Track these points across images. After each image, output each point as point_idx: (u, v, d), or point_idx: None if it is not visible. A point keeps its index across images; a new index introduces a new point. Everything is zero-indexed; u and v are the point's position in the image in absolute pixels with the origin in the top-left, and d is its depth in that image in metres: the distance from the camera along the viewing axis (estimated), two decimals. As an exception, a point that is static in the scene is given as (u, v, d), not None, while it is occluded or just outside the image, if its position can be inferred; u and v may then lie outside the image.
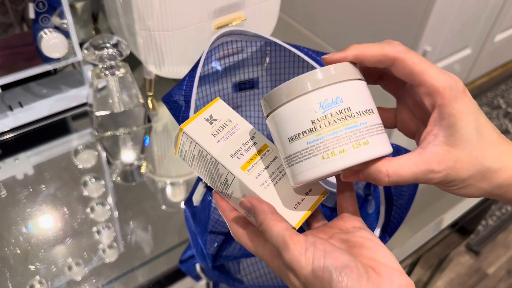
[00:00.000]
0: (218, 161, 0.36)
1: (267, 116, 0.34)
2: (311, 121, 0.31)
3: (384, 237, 0.43)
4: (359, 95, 0.32)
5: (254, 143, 0.37)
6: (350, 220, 0.35)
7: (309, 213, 0.36)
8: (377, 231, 0.43)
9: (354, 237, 0.33)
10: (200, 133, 0.37)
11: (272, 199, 0.35)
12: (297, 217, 0.35)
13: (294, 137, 0.32)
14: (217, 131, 0.37)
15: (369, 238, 0.33)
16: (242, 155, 0.36)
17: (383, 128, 0.33)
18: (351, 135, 0.31)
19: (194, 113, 0.45)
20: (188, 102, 0.46)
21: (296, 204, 0.36)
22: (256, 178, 0.36)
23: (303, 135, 0.32)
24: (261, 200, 0.34)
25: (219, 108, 0.39)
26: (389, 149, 0.33)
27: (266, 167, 0.36)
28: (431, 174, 0.31)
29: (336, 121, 0.31)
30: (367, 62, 0.33)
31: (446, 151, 0.31)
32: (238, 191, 0.36)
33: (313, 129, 0.31)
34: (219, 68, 0.56)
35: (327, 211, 0.59)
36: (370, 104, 0.33)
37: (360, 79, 0.33)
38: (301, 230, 0.38)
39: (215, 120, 0.38)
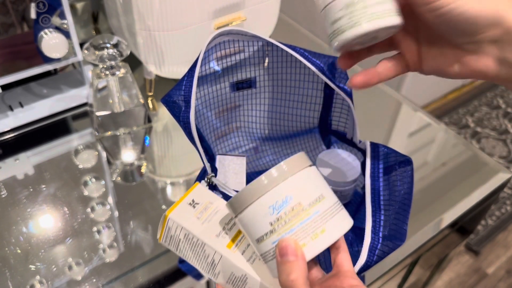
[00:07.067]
0: (204, 242, 0.37)
1: (236, 217, 0.36)
2: (270, 223, 0.33)
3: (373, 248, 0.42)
4: (307, 186, 0.34)
5: (234, 223, 0.39)
6: (346, 279, 0.35)
7: None
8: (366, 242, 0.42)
9: None
10: (185, 217, 0.39)
11: (259, 272, 0.37)
12: None
13: (260, 239, 0.34)
14: (201, 213, 0.39)
15: None
16: (226, 234, 0.38)
17: (339, 204, 0.35)
18: (307, 228, 0.33)
19: (195, 113, 0.45)
20: (187, 102, 0.46)
21: None
22: (242, 254, 0.37)
23: (266, 236, 0.34)
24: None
25: (199, 192, 0.41)
26: (348, 226, 0.35)
27: (249, 244, 0.38)
28: None
29: (290, 218, 0.33)
30: None
31: None
32: (225, 269, 0.38)
33: (273, 231, 0.33)
34: (217, 68, 0.56)
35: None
36: (320, 189, 0.35)
37: (308, 166, 0.35)
38: None
39: (197, 204, 0.40)
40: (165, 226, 0.39)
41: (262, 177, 0.34)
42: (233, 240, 0.38)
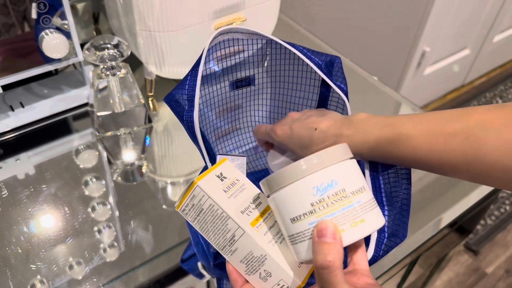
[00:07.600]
0: (229, 216, 0.37)
1: (268, 196, 0.36)
2: (311, 203, 0.33)
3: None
4: (351, 175, 0.35)
5: (260, 203, 0.39)
6: (363, 276, 0.36)
7: (313, 270, 0.37)
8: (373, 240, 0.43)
9: None
10: (213, 188, 0.38)
11: (278, 256, 0.37)
12: (302, 275, 0.37)
13: (296, 218, 0.34)
14: (228, 187, 0.38)
15: None
16: (251, 212, 0.38)
17: (375, 201, 0.36)
18: (347, 215, 0.33)
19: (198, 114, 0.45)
20: (191, 101, 0.46)
21: (300, 263, 0.37)
22: (264, 235, 0.37)
23: (304, 216, 0.34)
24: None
25: (227, 167, 0.40)
26: (383, 222, 0.35)
27: (272, 226, 0.38)
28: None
29: (333, 202, 0.33)
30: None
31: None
32: (244, 247, 0.37)
33: (313, 211, 0.33)
34: (217, 68, 0.56)
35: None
36: (361, 181, 0.35)
37: (350, 158, 0.36)
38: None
39: (225, 177, 0.39)
40: (189, 193, 0.38)
41: (312, 156, 0.34)
42: (257, 219, 0.37)
